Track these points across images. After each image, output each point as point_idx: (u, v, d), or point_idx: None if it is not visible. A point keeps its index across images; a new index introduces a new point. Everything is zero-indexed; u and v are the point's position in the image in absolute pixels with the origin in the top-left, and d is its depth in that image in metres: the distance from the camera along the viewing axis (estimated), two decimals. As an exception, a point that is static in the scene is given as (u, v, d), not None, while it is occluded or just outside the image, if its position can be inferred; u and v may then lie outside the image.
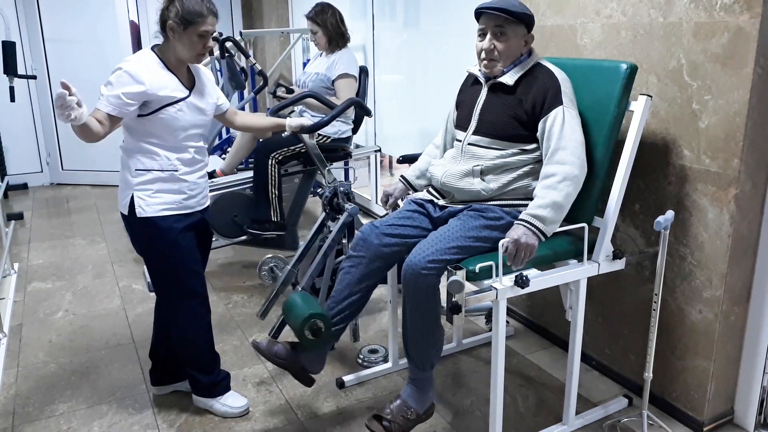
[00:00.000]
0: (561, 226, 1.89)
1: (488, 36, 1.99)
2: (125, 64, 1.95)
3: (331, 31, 3.41)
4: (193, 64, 2.09)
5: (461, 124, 2.14)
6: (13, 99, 4.31)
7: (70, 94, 1.74)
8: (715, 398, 2.11)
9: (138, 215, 2.01)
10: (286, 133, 2.49)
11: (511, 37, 1.97)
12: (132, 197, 2.01)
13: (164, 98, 1.97)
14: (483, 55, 2.02)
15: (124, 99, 1.91)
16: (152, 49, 2.04)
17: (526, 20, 1.97)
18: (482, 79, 2.08)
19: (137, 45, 5.64)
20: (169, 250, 2.08)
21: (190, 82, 2.08)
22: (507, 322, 2.62)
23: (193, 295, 2.16)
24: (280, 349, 2.06)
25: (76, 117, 1.77)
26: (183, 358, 2.25)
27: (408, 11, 3.96)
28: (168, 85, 1.98)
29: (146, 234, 2.05)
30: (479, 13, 2.00)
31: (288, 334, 2.46)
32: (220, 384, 2.27)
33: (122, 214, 2.07)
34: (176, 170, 2.05)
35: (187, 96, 2.03)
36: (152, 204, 2.02)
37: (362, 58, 4.40)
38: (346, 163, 4.72)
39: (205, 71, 2.17)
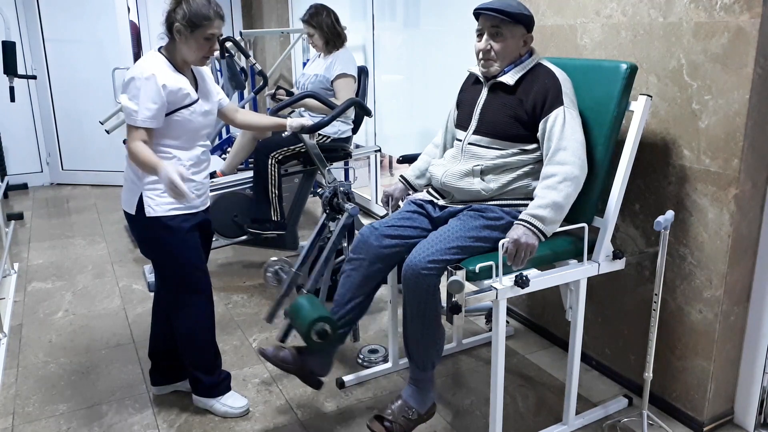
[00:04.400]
0: (561, 226, 1.89)
1: (485, 36, 2.00)
2: (141, 71, 1.92)
3: (327, 32, 3.41)
4: (198, 66, 2.09)
5: (461, 123, 2.14)
6: (13, 99, 4.31)
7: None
8: (715, 398, 2.11)
9: (147, 215, 2.01)
10: (286, 132, 2.50)
11: (508, 38, 1.98)
12: (141, 197, 2.01)
13: (180, 100, 1.97)
14: (480, 55, 2.03)
15: (159, 107, 1.91)
16: (159, 50, 2.04)
17: (524, 20, 1.97)
18: (483, 79, 2.09)
19: (137, 45, 5.65)
20: (178, 249, 2.08)
21: (195, 83, 2.08)
22: (507, 322, 2.62)
23: (200, 291, 2.17)
24: (286, 354, 2.08)
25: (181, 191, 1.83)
26: (186, 358, 2.25)
27: (408, 11, 3.96)
28: (182, 86, 1.98)
29: (154, 233, 2.06)
30: (478, 14, 2.01)
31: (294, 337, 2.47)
32: (220, 384, 2.28)
33: (127, 214, 2.07)
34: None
35: (197, 98, 2.03)
36: (161, 204, 2.02)
37: (362, 58, 4.40)
38: (346, 163, 4.72)
39: (204, 70, 2.17)
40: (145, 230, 2.08)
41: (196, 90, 2.07)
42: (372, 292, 2.12)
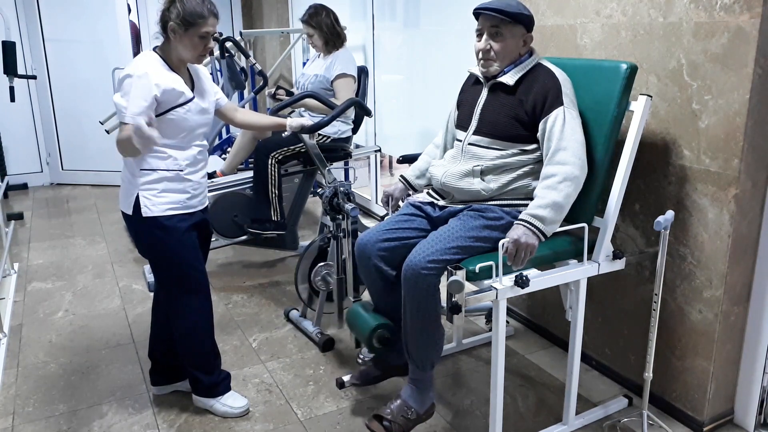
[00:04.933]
0: (561, 226, 1.89)
1: (485, 36, 2.00)
2: (134, 69, 1.93)
3: (327, 32, 3.41)
4: (194, 64, 2.09)
5: (462, 123, 2.14)
6: (13, 99, 4.31)
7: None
8: (715, 398, 2.11)
9: (144, 215, 2.01)
10: (286, 132, 2.50)
11: (507, 38, 1.98)
12: (137, 197, 2.01)
13: (174, 99, 1.97)
14: (480, 55, 2.03)
15: (148, 105, 1.91)
16: (154, 50, 2.04)
17: (523, 20, 1.97)
18: (483, 79, 2.08)
19: (137, 45, 5.65)
20: (175, 249, 2.08)
21: (191, 82, 2.08)
22: (507, 322, 2.62)
23: (198, 290, 2.17)
24: (370, 371, 2.22)
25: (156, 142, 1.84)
26: (186, 358, 2.25)
27: (408, 11, 3.96)
28: (176, 86, 1.98)
29: (152, 233, 2.06)
30: (477, 14, 2.01)
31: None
32: (220, 384, 2.28)
33: (125, 214, 2.07)
34: (182, 170, 2.05)
35: (192, 97, 2.03)
36: (158, 204, 2.02)
37: (362, 58, 4.40)
38: (346, 163, 4.73)
39: (201, 69, 2.17)
40: (141, 230, 2.08)
41: (192, 89, 2.07)
42: (398, 287, 2.10)
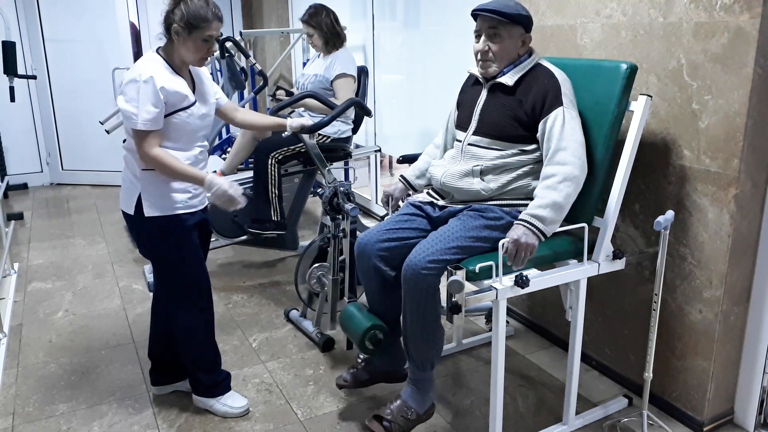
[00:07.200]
0: (561, 226, 1.89)
1: (483, 37, 2.00)
2: (139, 73, 1.91)
3: (327, 32, 3.41)
4: (196, 67, 2.09)
5: (461, 124, 2.14)
6: (13, 99, 4.31)
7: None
8: (715, 398, 2.11)
9: (146, 215, 2.01)
10: (286, 132, 2.50)
11: (505, 39, 1.97)
12: (139, 197, 2.01)
13: (178, 102, 1.97)
14: (478, 56, 2.03)
15: (160, 110, 1.91)
16: (157, 51, 2.03)
17: (521, 21, 1.97)
18: (482, 80, 2.08)
19: (137, 45, 5.65)
20: (177, 249, 2.08)
21: (192, 84, 2.08)
22: (507, 322, 2.62)
23: (200, 290, 2.17)
24: (360, 374, 2.18)
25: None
26: (186, 357, 2.25)
27: (408, 11, 3.96)
28: (180, 89, 1.98)
29: (153, 233, 2.06)
30: (476, 15, 2.01)
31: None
32: (220, 384, 2.28)
33: (126, 214, 2.07)
34: None
35: (194, 101, 2.03)
36: (160, 203, 2.02)
37: (362, 58, 4.40)
38: (346, 163, 4.72)
39: (201, 70, 2.16)
40: (143, 230, 2.08)
41: (194, 92, 2.06)
42: (395, 289, 2.10)
